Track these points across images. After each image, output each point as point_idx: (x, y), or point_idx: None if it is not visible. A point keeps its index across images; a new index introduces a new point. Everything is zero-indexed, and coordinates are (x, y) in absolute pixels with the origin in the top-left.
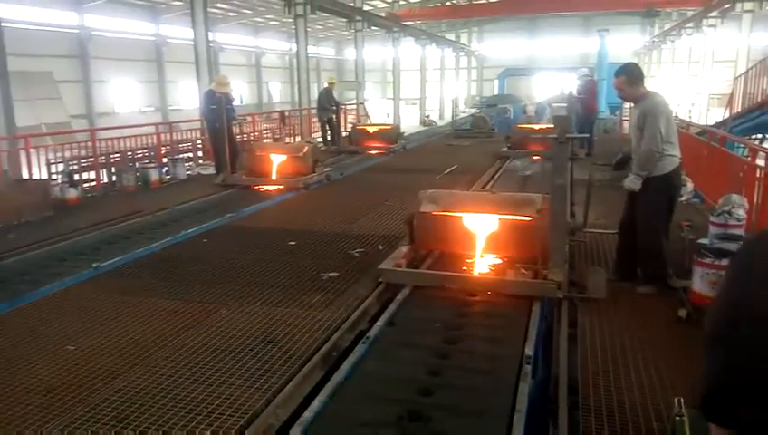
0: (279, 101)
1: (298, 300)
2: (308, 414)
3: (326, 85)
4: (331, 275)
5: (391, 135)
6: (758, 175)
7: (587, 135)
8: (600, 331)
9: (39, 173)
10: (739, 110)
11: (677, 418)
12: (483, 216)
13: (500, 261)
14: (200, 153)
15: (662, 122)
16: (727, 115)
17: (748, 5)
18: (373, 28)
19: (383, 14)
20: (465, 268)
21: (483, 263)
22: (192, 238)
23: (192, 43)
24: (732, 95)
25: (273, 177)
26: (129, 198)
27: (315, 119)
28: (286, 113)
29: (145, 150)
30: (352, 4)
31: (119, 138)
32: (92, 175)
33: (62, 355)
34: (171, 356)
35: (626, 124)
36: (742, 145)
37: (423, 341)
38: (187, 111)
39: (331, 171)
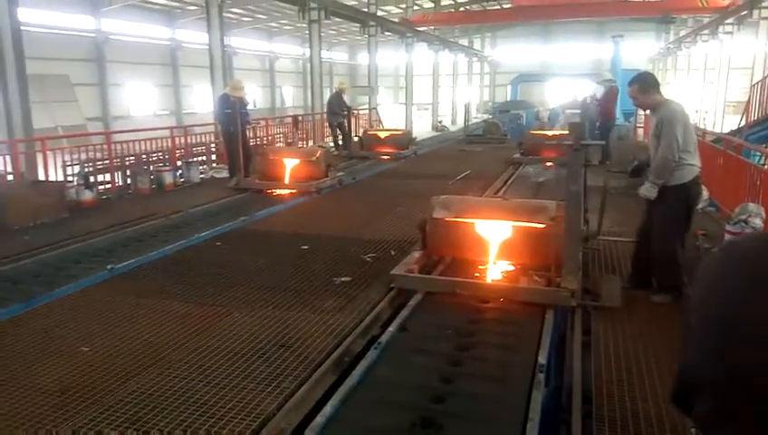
0: (292, 105)
1: (310, 304)
2: (320, 419)
3: (336, 90)
4: (343, 279)
5: (403, 140)
6: None
7: (602, 142)
8: (615, 339)
9: (55, 175)
10: (756, 118)
11: (693, 430)
12: (496, 222)
13: (513, 268)
14: (214, 157)
15: (679, 130)
16: (743, 123)
17: (765, 12)
18: (386, 33)
19: (397, 20)
20: (477, 275)
21: (495, 270)
22: (205, 242)
23: (207, 47)
24: (748, 103)
25: (286, 181)
26: (144, 200)
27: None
28: (299, 118)
29: (159, 153)
30: (366, 10)
31: (134, 141)
32: (108, 177)
33: (76, 356)
34: (184, 359)
35: (640, 131)
36: (758, 153)
37: (435, 347)
38: (202, 114)
39: (344, 176)
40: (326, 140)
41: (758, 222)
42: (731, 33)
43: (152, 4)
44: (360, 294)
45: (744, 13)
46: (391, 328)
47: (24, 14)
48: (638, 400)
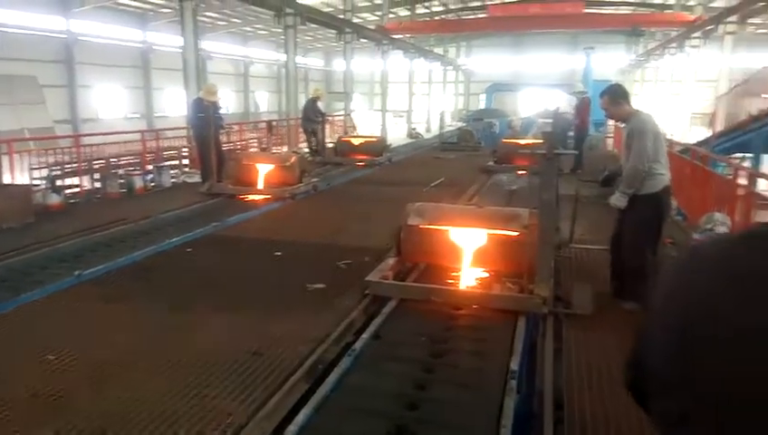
0: (266, 110)
1: (283, 312)
2: (293, 428)
3: (312, 96)
4: (317, 286)
5: (377, 147)
6: (740, 193)
7: (575, 152)
8: (586, 346)
9: (22, 178)
10: (721, 129)
11: None
12: (470, 229)
13: (486, 275)
14: (186, 161)
15: (649, 141)
16: (710, 134)
17: (731, 27)
18: (362, 40)
19: (372, 27)
20: (451, 281)
21: (469, 276)
22: (176, 248)
23: (180, 50)
24: (714, 114)
25: (260, 186)
26: (113, 205)
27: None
28: (274, 123)
29: (130, 157)
30: (342, 16)
31: (103, 144)
32: (76, 181)
33: (42, 365)
34: (153, 368)
35: (609, 141)
36: (723, 163)
37: (409, 354)
38: (173, 118)
39: (319, 182)
40: (301, 145)
41: (724, 230)
42: (697, 46)
43: (124, 5)
44: (333, 301)
45: (710, 27)
46: (365, 335)
47: None
48: (609, 405)
